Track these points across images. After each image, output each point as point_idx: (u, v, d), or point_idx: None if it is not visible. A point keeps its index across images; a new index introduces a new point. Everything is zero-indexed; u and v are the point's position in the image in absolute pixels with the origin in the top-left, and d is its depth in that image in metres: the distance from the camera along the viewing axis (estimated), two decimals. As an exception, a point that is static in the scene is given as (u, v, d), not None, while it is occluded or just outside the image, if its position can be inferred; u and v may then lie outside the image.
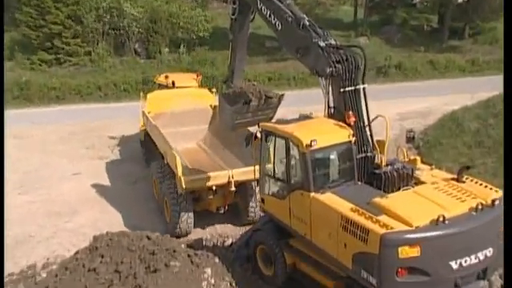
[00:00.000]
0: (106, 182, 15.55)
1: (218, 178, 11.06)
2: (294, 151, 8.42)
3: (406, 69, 28.60)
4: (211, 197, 11.57)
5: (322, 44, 8.77)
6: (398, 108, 22.13)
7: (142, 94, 16.91)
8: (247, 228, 11.55)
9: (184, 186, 10.71)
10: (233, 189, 11.11)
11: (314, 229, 8.20)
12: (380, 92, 25.02)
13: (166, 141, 12.24)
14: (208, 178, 11.01)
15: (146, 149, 15.81)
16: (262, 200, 9.50)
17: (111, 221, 12.98)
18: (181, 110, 15.19)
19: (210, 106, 15.37)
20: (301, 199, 8.33)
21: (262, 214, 10.55)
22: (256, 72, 27.60)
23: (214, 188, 11.26)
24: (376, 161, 8.89)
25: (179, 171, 10.76)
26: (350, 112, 8.62)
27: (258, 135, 9.37)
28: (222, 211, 12.00)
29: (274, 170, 9.04)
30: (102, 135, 19.76)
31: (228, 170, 11.21)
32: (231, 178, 11.02)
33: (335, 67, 8.53)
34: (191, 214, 11.48)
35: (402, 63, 28.76)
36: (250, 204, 11.84)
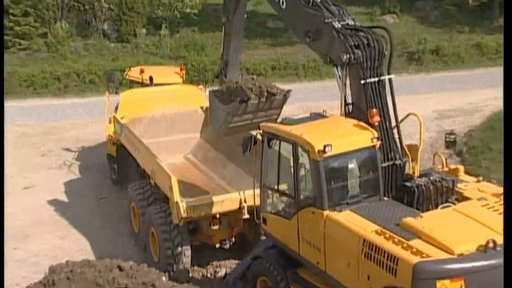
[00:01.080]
0: (66, 197, 15.56)
1: (226, 202, 10.77)
2: (304, 158, 8.42)
3: (445, 54, 28.66)
4: (216, 227, 11.18)
5: (337, 25, 8.81)
6: (436, 104, 22.23)
7: (107, 93, 16.69)
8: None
9: (183, 215, 10.39)
10: (246, 216, 10.74)
11: (329, 256, 8.19)
12: (412, 84, 25.13)
13: (153, 155, 12.02)
14: (214, 204, 10.72)
15: (118, 166, 15.41)
16: (264, 220, 9.50)
17: (72, 247, 12.98)
18: (163, 113, 15.05)
19: (201, 108, 15.11)
20: (312, 219, 8.33)
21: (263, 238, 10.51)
22: (256, 60, 27.68)
23: (217, 216, 10.95)
24: (407, 170, 8.90)
25: (176, 195, 10.44)
26: (374, 109, 8.62)
27: (259, 137, 9.37)
28: (226, 246, 11.64)
29: (279, 182, 9.03)
30: (62, 139, 19.80)
31: (239, 192, 10.82)
32: (244, 203, 10.68)
33: (354, 53, 8.56)
34: (188, 250, 11.16)
35: (440, 47, 28.82)
36: (262, 237, 11.25)
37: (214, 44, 28.19)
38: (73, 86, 25.99)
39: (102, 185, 16.08)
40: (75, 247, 13.00)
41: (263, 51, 28.96)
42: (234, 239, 11.59)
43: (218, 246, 11.68)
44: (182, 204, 10.39)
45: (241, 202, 10.71)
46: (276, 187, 9.09)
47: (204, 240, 11.72)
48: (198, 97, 15.39)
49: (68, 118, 22.03)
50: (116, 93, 16.83)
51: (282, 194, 9.06)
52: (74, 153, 18.62)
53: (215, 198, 10.82)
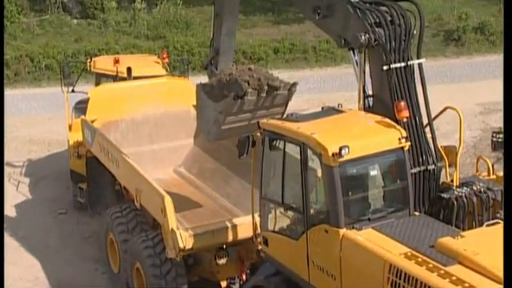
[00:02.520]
0: (16, 213, 15.57)
1: (237, 229, 10.58)
2: (315, 163, 8.41)
3: (492, 33, 28.65)
4: (222, 261, 10.99)
5: None
6: (480, 95, 22.21)
7: (65, 92, 16.27)
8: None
9: (182, 246, 10.20)
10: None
11: (347, 286, 8.14)
12: (451, 70, 25.07)
13: (138, 169, 11.77)
14: (222, 231, 10.58)
15: (89, 185, 14.83)
16: (265, 240, 9.48)
17: (24, 275, 12.99)
18: (145, 115, 14.81)
19: (194, 106, 14.96)
20: (325, 239, 8.31)
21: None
22: (255, 41, 27.71)
23: (225, 247, 10.83)
24: (443, 178, 8.95)
25: (171, 221, 10.25)
26: (402, 102, 8.63)
27: (258, 135, 9.37)
28: (236, 285, 11.47)
29: (283, 193, 9.00)
30: (11, 139, 19.74)
31: (253, 215, 10.34)
32: (259, 229, 10.33)
33: (374, 33, 8.61)
34: None
35: (485, 24, 28.82)
36: None
37: (202, 21, 28.20)
38: (25, 73, 25.98)
39: (62, 197, 16.06)
40: (28, 275, 12.99)
41: (264, 30, 28.98)
42: (244, 276, 11.36)
43: (223, 285, 11.48)
44: (179, 232, 10.18)
45: (255, 228, 10.37)
46: (280, 200, 9.07)
47: (206, 276, 11.54)
48: (190, 92, 14.97)
49: (19, 114, 21.99)
50: (73, 91, 16.44)
51: (287, 208, 9.04)
52: (27, 158, 18.61)
53: (223, 224, 10.67)
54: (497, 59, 27.06)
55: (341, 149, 7.93)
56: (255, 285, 9.90)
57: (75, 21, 29.18)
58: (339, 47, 9.40)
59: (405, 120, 8.62)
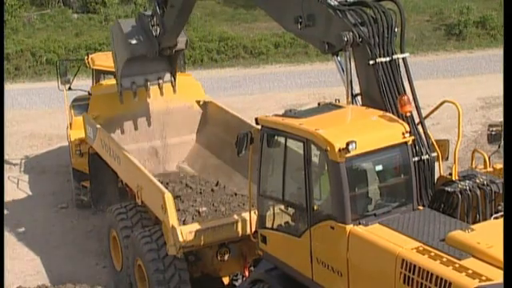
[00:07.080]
0: (16, 207, 15.52)
1: (239, 225, 10.58)
2: (319, 160, 8.38)
3: (493, 27, 28.59)
4: (224, 258, 11.04)
5: (334, 2, 8.97)
6: (481, 89, 22.16)
7: (64, 91, 16.10)
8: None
9: (183, 243, 10.18)
10: None
11: (355, 282, 8.09)
12: (452, 64, 24.97)
13: (138, 165, 11.77)
14: (223, 227, 10.57)
15: (92, 183, 14.73)
16: (263, 238, 9.39)
17: (25, 269, 12.98)
18: (147, 111, 14.60)
19: (198, 102, 14.83)
20: (330, 236, 8.23)
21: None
22: (256, 35, 27.60)
23: (226, 243, 10.83)
24: (442, 173, 8.92)
25: (172, 217, 10.25)
26: (405, 96, 8.61)
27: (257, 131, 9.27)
28: (239, 282, 11.54)
29: (284, 190, 8.94)
30: (11, 134, 19.73)
31: (255, 211, 10.22)
32: None
33: (357, 30, 8.67)
34: (187, 286, 10.84)
35: (486, 18, 28.76)
36: None
37: (202, 16, 28.12)
38: (26, 68, 25.95)
39: (63, 191, 16.01)
40: (29, 269, 12.98)
41: (264, 24, 28.77)
42: (247, 272, 11.30)
43: (226, 282, 11.49)
44: (180, 229, 10.21)
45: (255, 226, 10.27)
46: (280, 197, 9.02)
47: (208, 272, 11.50)
48: (193, 88, 14.97)
49: (19, 108, 21.97)
50: (70, 89, 16.30)
51: (289, 204, 8.99)
52: (27, 152, 18.59)
53: (224, 220, 10.68)
54: (498, 53, 27.01)
55: (348, 144, 7.88)
56: (256, 279, 9.85)
57: (76, 15, 29.16)
58: (323, 53, 9.48)
59: (408, 114, 8.58)
